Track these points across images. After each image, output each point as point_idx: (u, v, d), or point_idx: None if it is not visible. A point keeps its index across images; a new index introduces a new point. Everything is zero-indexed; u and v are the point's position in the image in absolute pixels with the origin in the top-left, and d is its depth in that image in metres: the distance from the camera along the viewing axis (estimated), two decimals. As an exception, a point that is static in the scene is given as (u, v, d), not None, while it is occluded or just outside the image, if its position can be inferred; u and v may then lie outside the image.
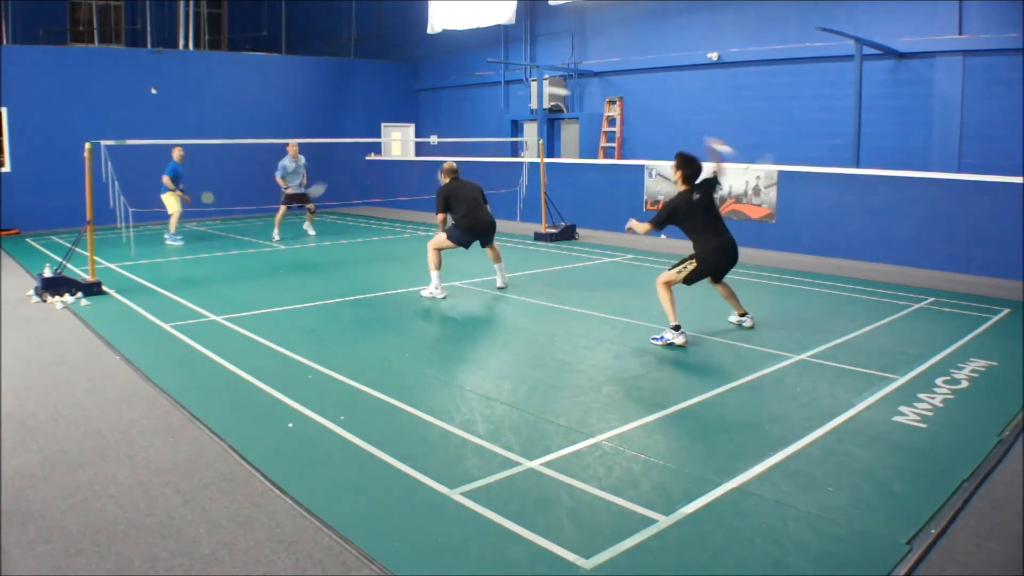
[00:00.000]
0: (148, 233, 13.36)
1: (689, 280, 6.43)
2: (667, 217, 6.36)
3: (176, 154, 12.69)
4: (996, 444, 4.16)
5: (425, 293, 8.22)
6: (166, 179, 12.48)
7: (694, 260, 6.38)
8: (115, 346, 6.21)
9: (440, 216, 8.27)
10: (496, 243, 8.61)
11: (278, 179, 12.80)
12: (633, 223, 6.68)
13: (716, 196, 6.49)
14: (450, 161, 8.55)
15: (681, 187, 6.42)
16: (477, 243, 8.34)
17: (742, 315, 6.82)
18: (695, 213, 6.34)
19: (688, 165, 6.38)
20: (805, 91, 13.03)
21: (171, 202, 12.70)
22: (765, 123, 13.53)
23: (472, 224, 8.09)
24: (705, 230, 6.36)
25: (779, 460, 3.94)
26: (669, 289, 6.34)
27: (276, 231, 13.12)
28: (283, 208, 13.13)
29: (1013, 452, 4.08)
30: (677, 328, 6.22)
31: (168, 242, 12.72)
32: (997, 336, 6.56)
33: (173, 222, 12.85)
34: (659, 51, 15.18)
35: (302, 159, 12.99)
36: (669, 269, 6.49)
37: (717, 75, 14.32)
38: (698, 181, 6.39)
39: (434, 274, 8.14)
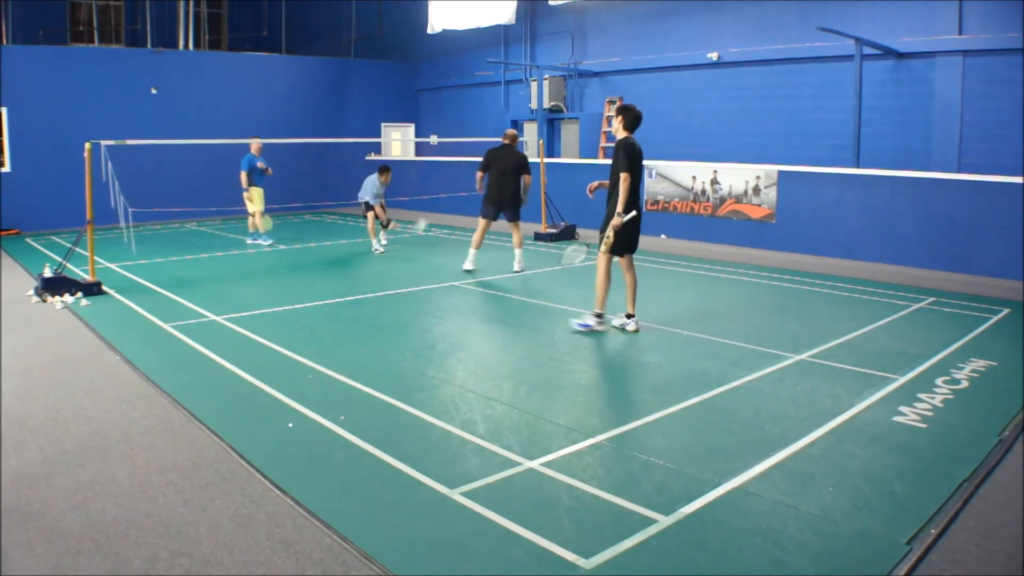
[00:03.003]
0: (148, 233, 13.35)
1: (615, 247, 6.40)
2: (635, 161, 6.37)
3: (253, 147, 12.08)
4: (996, 444, 4.16)
5: (467, 266, 9.49)
6: (242, 176, 12.10)
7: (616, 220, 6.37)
8: (115, 346, 6.21)
9: (479, 173, 9.36)
10: (520, 231, 9.57)
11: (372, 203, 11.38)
12: (593, 184, 6.91)
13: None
14: (513, 130, 9.65)
15: (622, 134, 6.52)
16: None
17: (629, 316, 6.62)
18: (639, 162, 6.45)
19: (630, 112, 6.54)
20: (805, 91, 13.03)
21: (253, 199, 12.15)
22: (765, 123, 13.53)
23: (494, 197, 9.28)
24: (636, 183, 6.44)
25: (779, 460, 3.94)
26: (608, 272, 6.44)
27: (377, 238, 11.68)
28: (371, 215, 11.51)
29: (1013, 452, 4.08)
30: (600, 316, 6.42)
31: (249, 241, 12.51)
32: (997, 336, 6.57)
33: (251, 222, 12.36)
34: (659, 51, 15.18)
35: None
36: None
37: (717, 75, 14.31)
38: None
39: (472, 252, 9.45)
